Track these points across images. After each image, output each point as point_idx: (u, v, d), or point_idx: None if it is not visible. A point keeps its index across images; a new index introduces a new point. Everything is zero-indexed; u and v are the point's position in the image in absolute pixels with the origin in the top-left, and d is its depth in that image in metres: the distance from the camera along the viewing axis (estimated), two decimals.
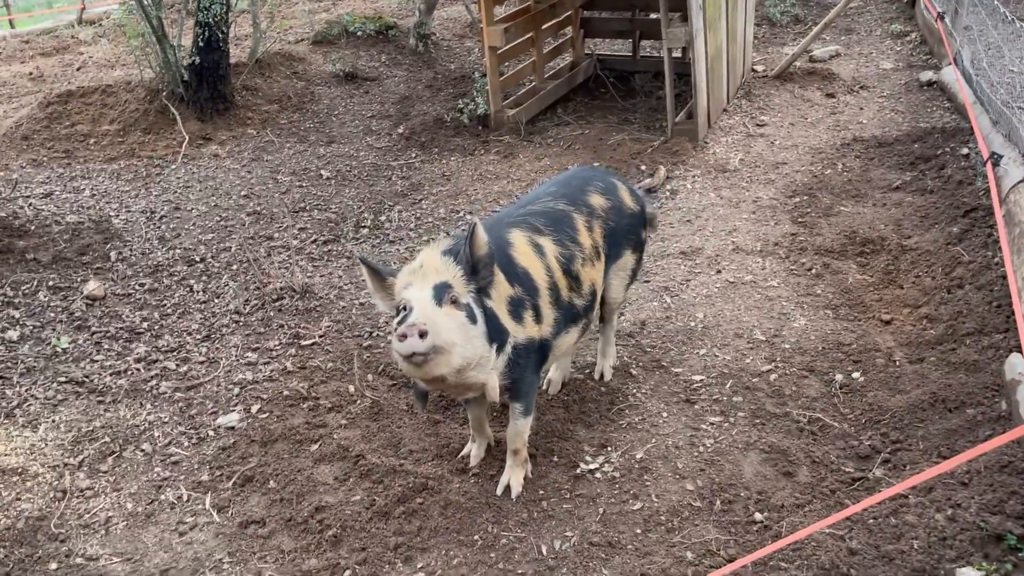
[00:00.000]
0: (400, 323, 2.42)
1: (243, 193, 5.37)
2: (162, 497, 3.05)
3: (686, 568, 2.62)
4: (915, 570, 2.48)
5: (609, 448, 3.16)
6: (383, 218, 5.04)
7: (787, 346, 3.63)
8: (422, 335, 2.36)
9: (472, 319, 2.55)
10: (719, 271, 4.27)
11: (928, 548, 2.55)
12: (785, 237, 4.50)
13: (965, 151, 4.96)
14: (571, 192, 3.12)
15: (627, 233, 3.24)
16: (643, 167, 5.49)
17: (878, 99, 6.32)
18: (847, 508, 2.24)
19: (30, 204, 5.05)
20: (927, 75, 6.44)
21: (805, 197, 4.90)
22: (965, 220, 4.19)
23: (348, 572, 2.73)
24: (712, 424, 3.23)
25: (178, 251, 4.65)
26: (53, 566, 2.76)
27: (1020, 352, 3.05)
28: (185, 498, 3.04)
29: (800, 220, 4.67)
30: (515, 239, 2.86)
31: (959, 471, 2.79)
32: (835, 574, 2.51)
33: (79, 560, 2.78)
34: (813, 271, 4.17)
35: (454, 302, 2.51)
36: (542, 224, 2.95)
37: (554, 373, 3.48)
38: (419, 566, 2.75)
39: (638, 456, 3.10)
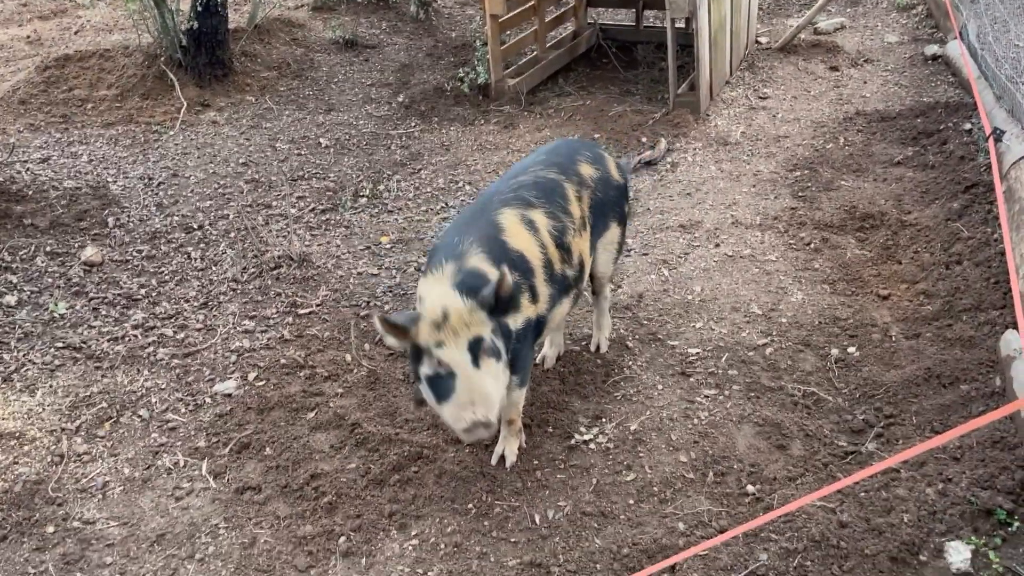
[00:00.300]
0: (440, 385, 2.47)
1: (241, 160, 5.34)
2: (159, 463, 3.07)
3: (678, 538, 2.65)
4: (904, 543, 2.50)
5: (604, 419, 3.18)
6: (382, 187, 5.02)
7: (784, 320, 3.64)
8: (487, 426, 2.48)
9: (498, 356, 2.56)
10: (718, 244, 4.26)
11: (918, 521, 2.57)
12: (785, 211, 4.49)
13: (968, 126, 4.93)
14: (561, 161, 3.10)
15: (614, 206, 3.23)
16: (644, 139, 5.46)
17: (882, 73, 6.27)
18: (838, 481, 2.26)
19: (27, 169, 5.03)
20: (932, 49, 6.38)
21: (806, 171, 4.87)
22: (966, 196, 4.17)
23: (343, 539, 2.76)
24: (707, 397, 3.24)
25: (176, 218, 4.64)
26: (50, 529, 2.79)
27: (1016, 329, 3.05)
28: (182, 464, 3.06)
29: (800, 194, 4.65)
30: (506, 221, 2.81)
31: (951, 446, 2.81)
32: (825, 546, 2.54)
33: (76, 524, 2.81)
34: (812, 246, 4.16)
35: (487, 352, 2.52)
36: (533, 196, 2.92)
37: (548, 348, 3.48)
38: (413, 533, 2.77)
39: (632, 428, 3.12)
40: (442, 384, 2.49)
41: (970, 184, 4.25)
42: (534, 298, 2.80)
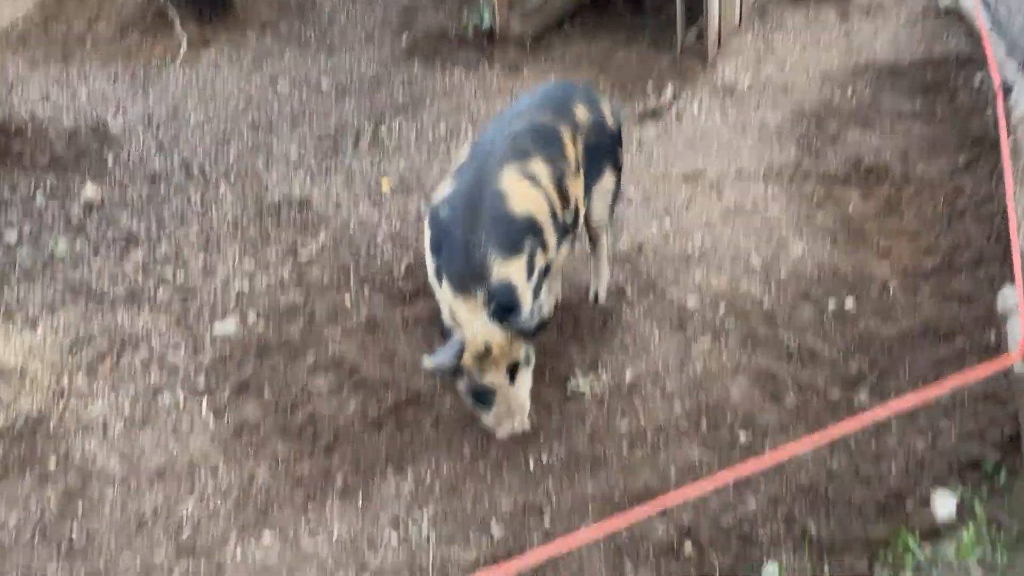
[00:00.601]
0: (480, 396, 2.77)
1: (242, 102, 5.30)
2: (159, 401, 3.11)
3: (669, 484, 2.70)
4: (891, 492, 2.55)
5: (600, 367, 3.21)
6: (383, 132, 4.99)
7: (783, 272, 3.65)
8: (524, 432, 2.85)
9: (529, 361, 2.84)
10: (720, 195, 4.25)
11: (906, 472, 2.62)
12: (789, 163, 4.46)
13: (977, 80, 4.87)
14: (556, 103, 3.08)
15: (608, 151, 3.21)
16: (649, 86, 5.40)
17: (894, 24, 6.16)
18: (828, 430, 2.30)
19: (26, 106, 5.00)
20: (945, 1, 6.26)
21: (812, 122, 4.83)
22: (972, 150, 4.15)
23: (340, 478, 2.82)
24: (703, 347, 3.27)
25: (176, 159, 4.62)
26: (52, 464, 2.84)
27: (1014, 284, 3.06)
28: (181, 403, 3.11)
29: (805, 146, 4.62)
30: (509, 186, 2.78)
31: (943, 399, 2.84)
32: (813, 493, 2.59)
33: (77, 459, 2.87)
34: (815, 198, 4.14)
35: (522, 365, 2.79)
36: (530, 144, 2.89)
37: (546, 296, 3.50)
38: (409, 474, 2.83)
39: (628, 376, 3.15)
40: (482, 395, 2.77)
41: (977, 138, 4.22)
42: (545, 250, 2.85)
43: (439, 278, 2.75)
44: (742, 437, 2.86)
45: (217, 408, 3.08)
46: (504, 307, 2.64)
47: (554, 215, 2.87)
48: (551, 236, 2.87)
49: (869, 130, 4.70)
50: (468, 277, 2.66)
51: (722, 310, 3.44)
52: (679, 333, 3.35)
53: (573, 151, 3.01)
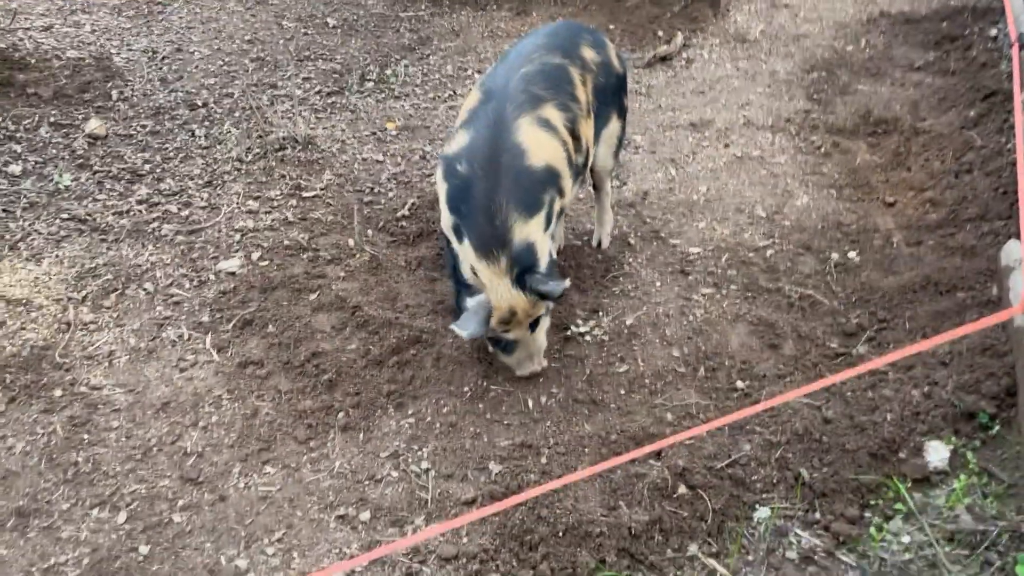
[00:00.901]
0: (502, 344, 2.87)
1: (247, 38, 5.23)
2: (163, 335, 3.14)
3: (665, 428, 2.73)
4: (885, 440, 2.58)
5: (600, 313, 3.22)
6: (389, 72, 4.94)
7: (787, 223, 3.64)
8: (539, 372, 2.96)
9: (548, 312, 2.91)
10: (727, 145, 4.22)
11: (900, 421, 2.64)
12: (798, 113, 4.42)
13: (994, 32, 4.79)
14: (564, 44, 3.03)
15: (614, 95, 3.19)
16: (660, 33, 5.33)
17: None
18: (825, 378, 2.31)
19: (30, 36, 4.94)
20: None
21: (823, 73, 4.77)
22: (983, 104, 4.10)
23: (341, 414, 2.85)
24: (704, 295, 3.28)
25: (180, 94, 4.58)
26: (58, 392, 2.88)
27: (1019, 239, 3.05)
28: (186, 337, 3.14)
29: (815, 97, 4.57)
30: (526, 138, 2.74)
31: (941, 351, 2.86)
32: (807, 439, 2.62)
33: (83, 389, 2.90)
34: (822, 149, 4.11)
35: (543, 318, 2.89)
36: (542, 89, 2.86)
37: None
38: (410, 412, 2.86)
39: (628, 322, 3.17)
40: (504, 344, 2.86)
41: (989, 92, 4.16)
42: (562, 195, 2.87)
43: (459, 235, 2.75)
44: (739, 384, 2.89)
45: (221, 343, 3.11)
46: (526, 269, 2.69)
47: (569, 160, 2.87)
48: (567, 181, 2.88)
49: (880, 81, 4.64)
50: (491, 241, 2.66)
51: (724, 259, 3.44)
52: (681, 281, 3.36)
53: (583, 93, 2.98)
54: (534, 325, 2.83)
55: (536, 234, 2.73)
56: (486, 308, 2.68)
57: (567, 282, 2.69)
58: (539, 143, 2.77)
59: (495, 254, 2.66)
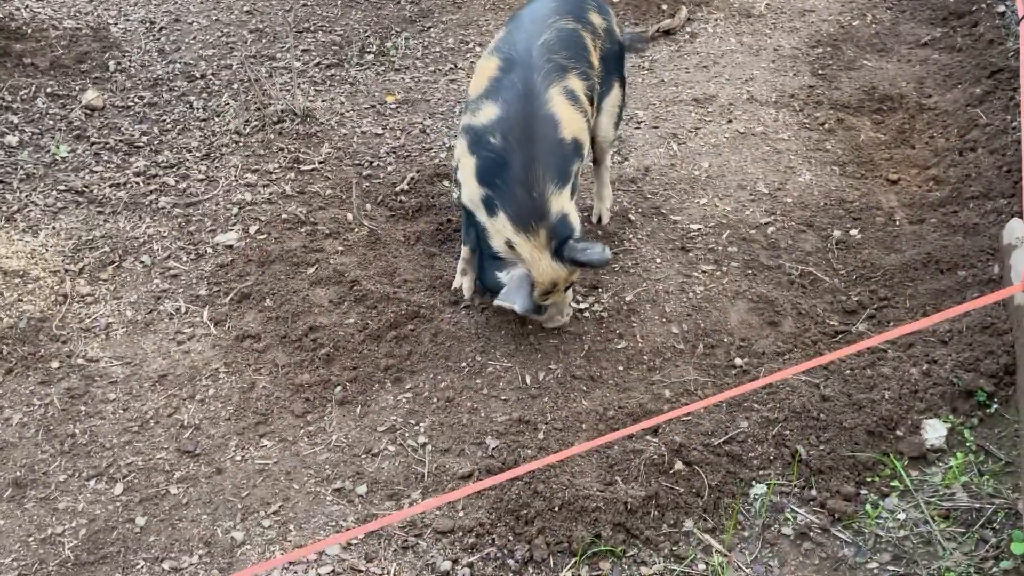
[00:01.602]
0: (542, 310, 2.90)
1: (245, 8, 5.19)
2: (161, 308, 3.14)
3: (663, 404, 2.74)
4: (882, 418, 2.59)
5: (600, 289, 3.22)
6: (389, 44, 4.89)
7: (789, 200, 3.62)
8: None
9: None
10: (730, 120, 4.19)
11: (899, 399, 2.65)
12: (802, 89, 4.39)
13: (1002, 8, 4.73)
14: (574, 8, 3.02)
15: (616, 62, 3.19)
16: (664, 6, 5.27)
17: None
18: (824, 356, 2.32)
19: (26, 6, 4.90)
20: None
21: (829, 48, 4.73)
22: (989, 81, 4.06)
23: (339, 388, 2.86)
24: (704, 272, 3.27)
25: (178, 65, 4.55)
26: (55, 364, 2.89)
27: (1022, 217, 3.04)
28: (183, 310, 3.14)
29: (820, 72, 4.53)
30: (558, 109, 2.76)
31: (940, 329, 2.86)
32: (805, 417, 2.63)
33: (80, 361, 2.91)
34: (826, 126, 4.09)
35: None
36: (565, 58, 2.86)
37: None
38: (407, 387, 2.87)
39: (627, 298, 3.17)
40: (538, 308, 2.87)
41: (996, 69, 4.13)
42: (583, 162, 2.94)
43: (490, 208, 2.74)
44: (738, 361, 2.89)
45: (218, 316, 3.11)
46: (564, 240, 2.71)
47: (588, 129, 2.93)
48: (586, 147, 2.95)
49: (886, 57, 4.60)
50: (529, 214, 2.67)
51: (725, 236, 3.43)
52: (681, 257, 3.35)
53: (596, 59, 3.01)
54: (567, 288, 2.89)
55: (568, 205, 2.78)
56: (527, 280, 2.71)
57: (608, 252, 2.71)
58: (569, 115, 2.79)
59: (534, 227, 2.67)
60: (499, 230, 2.74)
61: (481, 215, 2.80)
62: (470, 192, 2.83)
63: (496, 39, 3.08)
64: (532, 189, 2.66)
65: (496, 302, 2.72)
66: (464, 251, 3.14)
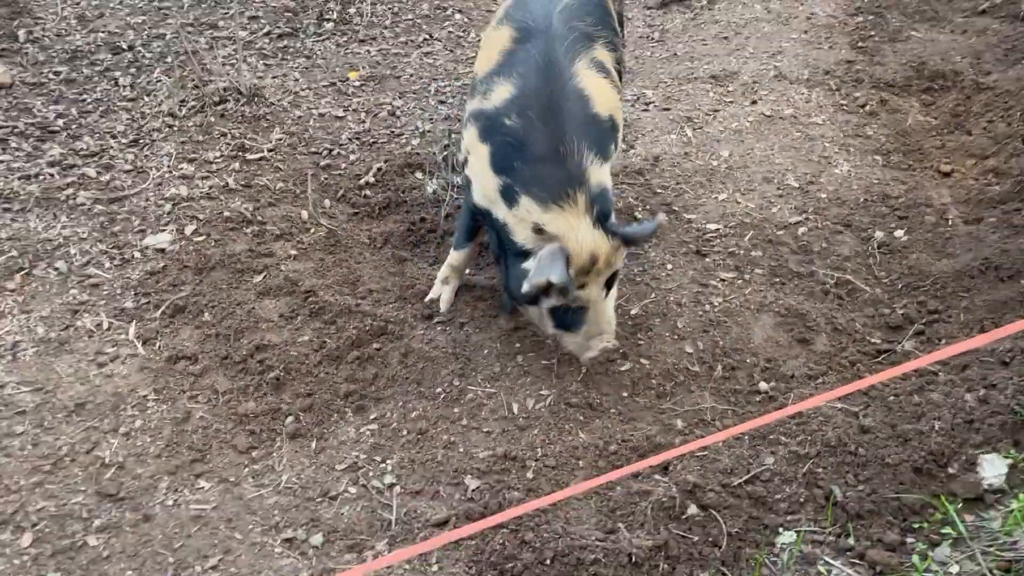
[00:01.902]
0: (568, 316, 2.83)
1: None
2: (78, 323, 3.14)
3: (674, 437, 2.76)
4: (932, 453, 2.61)
5: None
6: (353, 10, 4.93)
7: (823, 195, 3.66)
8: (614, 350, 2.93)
9: (617, 275, 2.91)
10: (754, 101, 4.23)
11: (951, 430, 2.67)
12: (839, 64, 4.43)
13: None
14: None
15: (621, 25, 3.34)
16: None
17: None
18: (862, 380, 2.34)
19: None
20: None
21: (871, 16, 4.79)
22: None
23: (290, 419, 2.87)
24: (723, 280, 3.30)
25: (101, 35, 4.57)
26: None
27: None
28: (105, 326, 3.14)
29: (860, 45, 4.59)
30: (588, 84, 2.81)
31: (1000, 348, 2.88)
32: (841, 451, 2.64)
33: None
34: (867, 108, 4.13)
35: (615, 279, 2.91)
36: (589, 25, 2.93)
37: None
38: (372, 416, 2.88)
39: (633, 312, 3.19)
40: (571, 316, 2.82)
41: None
42: (618, 146, 3.02)
43: (510, 198, 2.77)
44: (763, 386, 2.91)
45: (147, 334, 3.11)
46: (604, 212, 2.74)
47: (621, 105, 3.03)
48: (621, 131, 3.02)
49: (937, 27, 4.66)
50: (564, 182, 2.71)
51: (748, 237, 3.46)
52: (696, 263, 3.38)
53: (615, 21, 3.10)
54: (609, 287, 2.85)
55: (608, 182, 2.82)
56: (562, 252, 2.69)
57: (661, 216, 2.77)
58: (602, 91, 2.85)
59: (570, 194, 2.71)
60: (523, 218, 2.76)
61: (500, 210, 2.82)
62: (484, 187, 2.85)
63: (504, 5, 3.10)
64: (566, 159, 2.70)
65: (527, 281, 2.70)
66: (453, 256, 3.16)
